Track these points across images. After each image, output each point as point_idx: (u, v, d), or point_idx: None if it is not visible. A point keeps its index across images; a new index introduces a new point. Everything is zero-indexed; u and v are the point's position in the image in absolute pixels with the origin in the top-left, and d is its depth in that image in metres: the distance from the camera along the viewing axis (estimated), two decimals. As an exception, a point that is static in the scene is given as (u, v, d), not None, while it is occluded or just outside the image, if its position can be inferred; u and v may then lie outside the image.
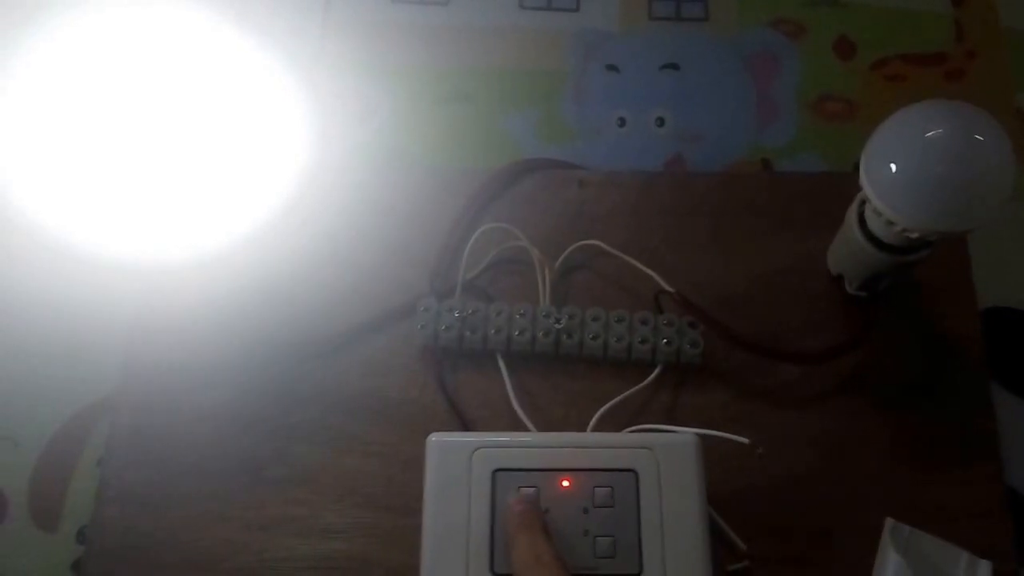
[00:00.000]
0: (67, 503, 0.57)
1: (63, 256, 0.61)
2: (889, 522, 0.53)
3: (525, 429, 0.56)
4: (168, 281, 0.60)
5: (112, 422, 0.57)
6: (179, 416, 0.57)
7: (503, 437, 0.52)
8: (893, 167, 0.48)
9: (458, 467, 0.49)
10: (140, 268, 0.60)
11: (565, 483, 0.49)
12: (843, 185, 0.55)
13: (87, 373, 0.60)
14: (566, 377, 0.58)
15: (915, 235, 0.48)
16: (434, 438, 0.50)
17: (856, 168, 0.50)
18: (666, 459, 0.49)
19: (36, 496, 0.57)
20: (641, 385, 0.57)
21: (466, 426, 0.56)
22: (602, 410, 0.55)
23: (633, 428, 0.55)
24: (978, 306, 0.60)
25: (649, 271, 0.58)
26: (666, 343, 0.57)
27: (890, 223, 0.49)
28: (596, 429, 0.55)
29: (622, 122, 0.68)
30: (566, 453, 0.50)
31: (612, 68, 0.70)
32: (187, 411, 0.57)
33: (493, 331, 0.57)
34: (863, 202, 0.53)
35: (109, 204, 0.61)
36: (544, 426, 0.56)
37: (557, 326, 0.57)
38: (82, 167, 0.61)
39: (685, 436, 0.50)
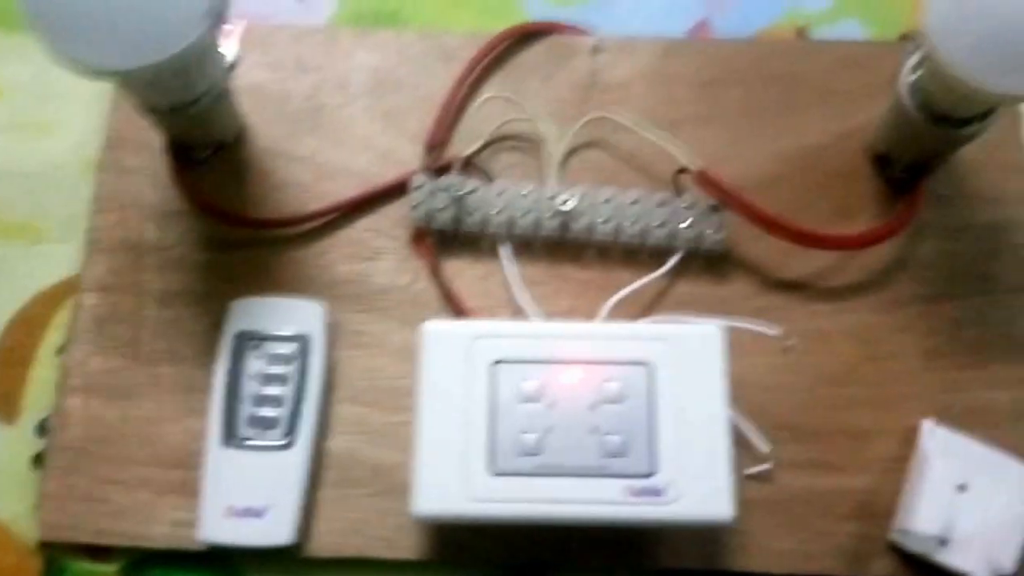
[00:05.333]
0: (26, 393, 0.54)
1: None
2: (926, 424, 0.50)
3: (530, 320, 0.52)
4: (136, 156, 0.56)
5: (75, 304, 0.54)
6: (148, 298, 0.54)
7: (504, 326, 0.49)
8: (963, 18, 0.43)
9: (455, 359, 0.47)
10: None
11: (570, 375, 0.46)
12: (887, 56, 0.51)
13: (47, 254, 0.57)
14: (574, 265, 0.54)
15: (980, 96, 0.43)
16: (429, 326, 0.47)
17: (904, 37, 0.45)
18: (684, 352, 0.47)
19: None
20: (657, 273, 0.53)
21: (462, 316, 0.53)
22: (614, 299, 0.51)
23: (648, 319, 0.52)
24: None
25: (669, 147, 0.53)
26: (686, 227, 0.53)
27: (951, 87, 0.44)
28: (608, 320, 0.51)
29: (641, -20, 0.62)
30: (573, 344, 0.47)
31: (633, -83, 0.63)
32: (156, 293, 0.54)
33: (494, 212, 0.53)
34: (918, 64, 0.48)
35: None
36: (550, 318, 0.53)
37: (564, 208, 0.53)
38: None
39: (706, 327, 0.47)
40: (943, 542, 0.48)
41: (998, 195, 0.55)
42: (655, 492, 0.44)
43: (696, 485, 0.44)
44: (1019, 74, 0.42)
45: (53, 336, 0.55)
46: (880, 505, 0.50)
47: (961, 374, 0.52)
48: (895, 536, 0.49)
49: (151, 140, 0.55)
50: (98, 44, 0.43)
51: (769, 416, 0.51)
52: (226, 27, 0.51)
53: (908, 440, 0.51)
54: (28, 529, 0.51)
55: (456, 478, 0.45)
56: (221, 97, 0.51)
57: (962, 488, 0.48)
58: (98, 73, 0.43)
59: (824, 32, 0.61)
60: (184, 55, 0.43)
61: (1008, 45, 0.42)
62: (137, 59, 0.43)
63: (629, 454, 0.45)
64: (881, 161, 0.55)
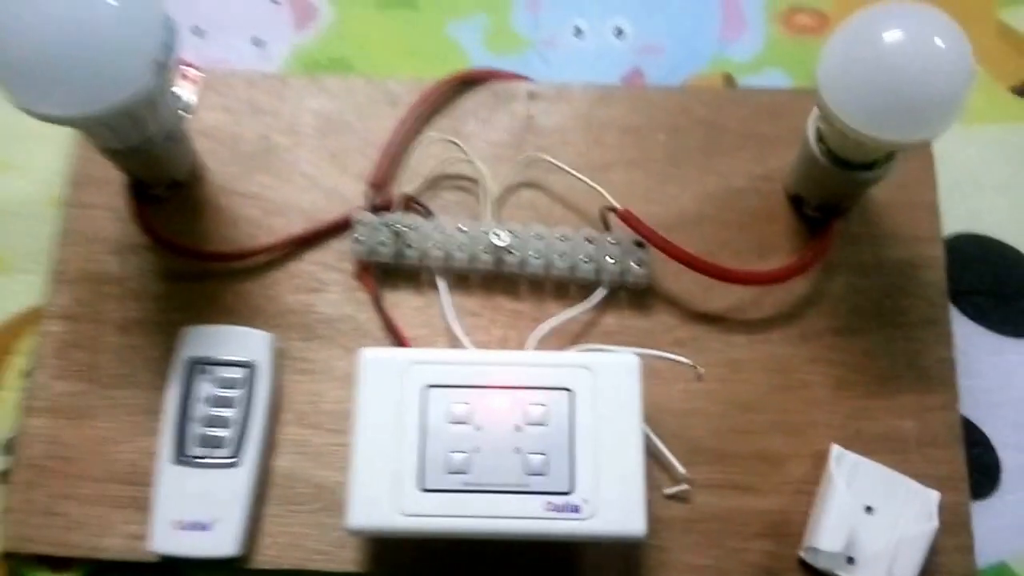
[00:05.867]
0: None
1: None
2: (835, 449, 0.52)
3: (463, 348, 0.54)
4: (98, 193, 0.59)
5: (40, 331, 0.56)
6: (108, 326, 0.56)
7: (437, 353, 0.52)
8: (848, 70, 0.46)
9: (390, 383, 0.49)
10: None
11: (497, 400, 0.48)
12: (808, 103, 0.52)
13: (13, 284, 0.59)
14: (507, 297, 0.57)
15: (868, 143, 0.46)
16: (366, 353, 0.50)
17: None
18: (604, 379, 0.49)
19: None
20: (584, 305, 0.55)
21: (402, 344, 0.55)
22: (542, 329, 0.54)
23: (574, 348, 0.54)
24: (943, 231, 0.58)
25: (598, 187, 0.56)
26: (611, 262, 0.55)
27: (844, 133, 0.47)
28: (537, 349, 0.54)
29: (578, 32, 0.65)
30: (501, 371, 0.50)
31: (569, -26, 0.67)
32: (115, 321, 0.56)
33: (432, 247, 0.56)
34: (821, 115, 0.50)
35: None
36: (483, 346, 0.55)
37: (499, 244, 0.55)
38: None
39: (625, 356, 0.50)
40: (850, 560, 0.50)
41: (909, 234, 0.58)
42: (573, 508, 0.46)
43: (612, 502, 0.47)
44: (902, 124, 0.45)
45: (18, 361, 0.57)
46: (791, 525, 0.52)
47: (869, 403, 0.54)
48: (804, 554, 0.51)
49: (112, 178, 0.57)
50: (51, 93, 0.45)
51: (686, 440, 0.53)
52: (188, 71, 0.54)
53: (818, 464, 0.53)
54: (-7, 541, 0.53)
55: (388, 494, 0.47)
56: (175, 138, 0.53)
57: (869, 510, 0.51)
58: (52, 119, 0.46)
59: (750, 80, 0.64)
60: (133, 102, 0.46)
61: (891, 97, 0.45)
62: (89, 107, 0.45)
63: (550, 473, 0.47)
64: (796, 201, 0.57)
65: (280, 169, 0.60)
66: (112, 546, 0.52)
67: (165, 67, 0.47)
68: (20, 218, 0.60)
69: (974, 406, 0.56)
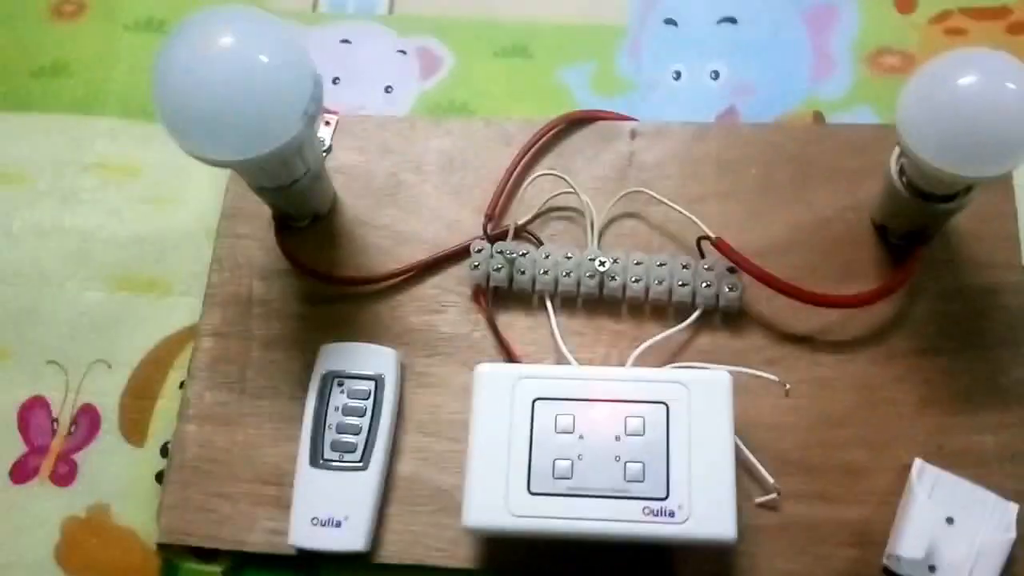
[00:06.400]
0: (153, 421, 0.62)
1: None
2: (917, 463, 0.54)
3: (569, 364, 0.58)
4: (248, 225, 0.65)
5: (195, 348, 0.62)
6: (253, 343, 0.62)
7: (544, 369, 0.56)
8: (925, 111, 0.49)
9: (502, 395, 0.53)
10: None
11: (599, 411, 0.52)
12: (891, 137, 0.54)
13: (174, 305, 0.65)
14: (609, 318, 0.61)
15: (945, 177, 0.49)
16: (481, 368, 0.54)
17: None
18: (698, 394, 0.52)
19: (126, 413, 0.63)
20: (680, 326, 0.58)
21: (513, 360, 0.59)
22: (641, 348, 0.58)
23: (669, 366, 0.58)
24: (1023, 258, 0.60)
25: (693, 218, 0.60)
26: (706, 286, 0.59)
27: (922, 169, 0.50)
28: (635, 366, 0.57)
29: (677, 75, 0.69)
30: (603, 385, 0.53)
31: (670, 22, 0.71)
32: (260, 339, 0.62)
33: (541, 272, 0.60)
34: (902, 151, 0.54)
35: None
36: (587, 363, 0.59)
37: (601, 269, 0.59)
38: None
39: (717, 373, 0.53)
40: (931, 568, 0.52)
41: (989, 261, 0.60)
42: (669, 513, 0.50)
43: (705, 508, 0.50)
44: (975, 161, 0.48)
45: (176, 374, 0.63)
46: (875, 534, 0.54)
47: (951, 419, 0.56)
48: (887, 561, 0.53)
49: (260, 212, 0.64)
50: (213, 139, 0.51)
51: (775, 452, 0.56)
52: (326, 116, 0.59)
53: (900, 477, 0.55)
54: (151, 534, 0.59)
55: (499, 496, 0.51)
56: (317, 178, 0.59)
57: (949, 521, 0.52)
58: (214, 162, 0.52)
59: (839, 117, 0.66)
60: (285, 148, 0.51)
61: (964, 136, 0.48)
62: (245, 152, 0.51)
63: (647, 479, 0.50)
64: (881, 230, 0.60)
65: (407, 203, 0.65)
66: (255, 540, 0.57)
67: (313, 118, 0.52)
68: (181, 247, 0.67)
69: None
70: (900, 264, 0.59)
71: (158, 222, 0.68)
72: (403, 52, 0.73)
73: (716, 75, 0.69)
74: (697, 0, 0.72)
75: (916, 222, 0.57)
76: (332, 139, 0.63)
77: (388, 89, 0.72)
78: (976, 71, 0.48)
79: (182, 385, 0.62)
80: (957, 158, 0.48)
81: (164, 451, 0.61)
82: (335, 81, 0.72)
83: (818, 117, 0.67)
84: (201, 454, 0.59)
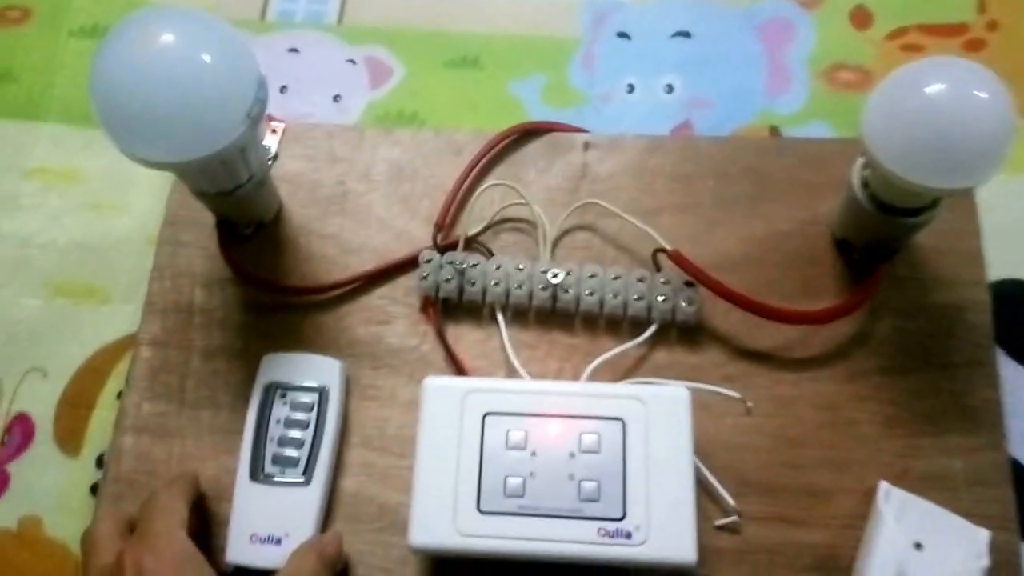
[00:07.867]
0: (89, 431, 0.61)
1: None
2: (883, 485, 0.52)
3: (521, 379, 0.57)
4: (190, 232, 0.63)
5: (133, 357, 0.60)
6: (194, 353, 0.60)
7: (495, 383, 0.54)
8: (893, 120, 0.48)
9: (451, 410, 0.51)
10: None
11: (552, 427, 0.51)
12: (851, 151, 0.55)
13: (113, 313, 0.64)
14: (562, 332, 0.59)
15: (912, 189, 0.48)
16: (429, 381, 0.52)
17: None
18: (656, 410, 0.51)
19: (61, 423, 0.62)
20: (635, 341, 0.57)
21: (462, 374, 0.58)
22: (595, 363, 0.56)
23: (625, 381, 0.56)
24: (988, 276, 0.59)
25: (648, 229, 0.59)
26: (662, 300, 0.57)
27: (888, 180, 0.49)
28: (589, 381, 0.56)
29: (631, 88, 0.69)
30: (555, 400, 0.52)
31: (623, 36, 0.71)
32: (201, 348, 0.60)
33: (492, 284, 0.59)
34: (866, 163, 0.53)
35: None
36: (539, 378, 0.57)
37: (554, 281, 0.58)
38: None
39: (676, 389, 0.52)
40: None
41: (953, 278, 0.59)
42: (625, 534, 0.48)
43: (663, 530, 0.48)
44: (943, 172, 0.47)
45: (114, 384, 0.62)
46: (839, 559, 0.52)
47: (917, 441, 0.55)
48: None
49: (204, 219, 0.62)
50: (151, 140, 0.49)
51: (736, 473, 0.54)
52: (272, 124, 0.58)
53: (866, 500, 0.53)
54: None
55: (447, 515, 0.49)
56: (262, 184, 0.58)
57: (918, 546, 0.50)
58: (154, 164, 0.50)
59: (796, 132, 0.66)
60: (227, 151, 0.50)
61: (933, 146, 0.47)
62: (185, 154, 0.49)
63: (602, 499, 0.49)
64: (842, 245, 0.59)
65: (355, 212, 0.63)
66: (191, 557, 0.54)
67: (257, 120, 0.51)
68: (122, 254, 0.66)
69: (1020, 447, 0.56)
70: (862, 281, 0.58)
71: (99, 229, 0.67)
72: (352, 62, 0.72)
73: (670, 89, 0.69)
74: (650, 14, 0.71)
75: (879, 237, 0.57)
76: (279, 147, 0.61)
77: (337, 98, 0.71)
78: (944, 80, 0.47)
79: (119, 395, 0.60)
80: (925, 169, 0.47)
81: (100, 462, 0.59)
82: (283, 90, 0.71)
83: (774, 132, 0.67)
84: (137, 466, 0.57)
